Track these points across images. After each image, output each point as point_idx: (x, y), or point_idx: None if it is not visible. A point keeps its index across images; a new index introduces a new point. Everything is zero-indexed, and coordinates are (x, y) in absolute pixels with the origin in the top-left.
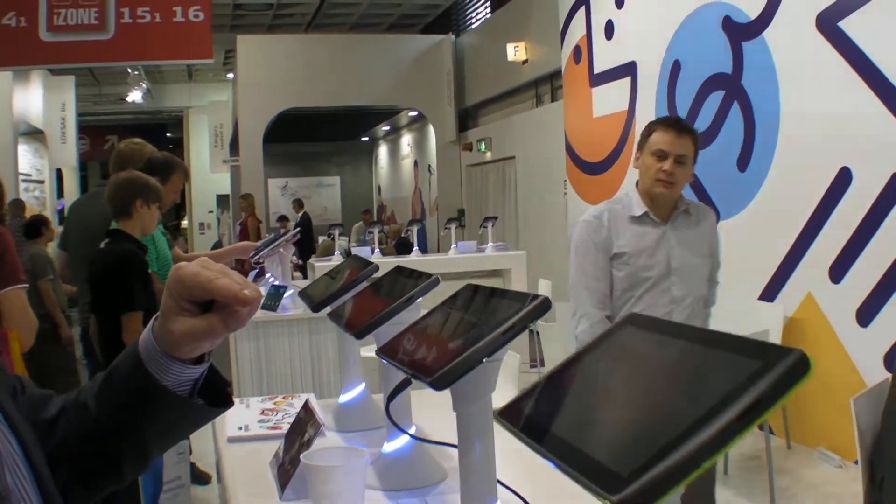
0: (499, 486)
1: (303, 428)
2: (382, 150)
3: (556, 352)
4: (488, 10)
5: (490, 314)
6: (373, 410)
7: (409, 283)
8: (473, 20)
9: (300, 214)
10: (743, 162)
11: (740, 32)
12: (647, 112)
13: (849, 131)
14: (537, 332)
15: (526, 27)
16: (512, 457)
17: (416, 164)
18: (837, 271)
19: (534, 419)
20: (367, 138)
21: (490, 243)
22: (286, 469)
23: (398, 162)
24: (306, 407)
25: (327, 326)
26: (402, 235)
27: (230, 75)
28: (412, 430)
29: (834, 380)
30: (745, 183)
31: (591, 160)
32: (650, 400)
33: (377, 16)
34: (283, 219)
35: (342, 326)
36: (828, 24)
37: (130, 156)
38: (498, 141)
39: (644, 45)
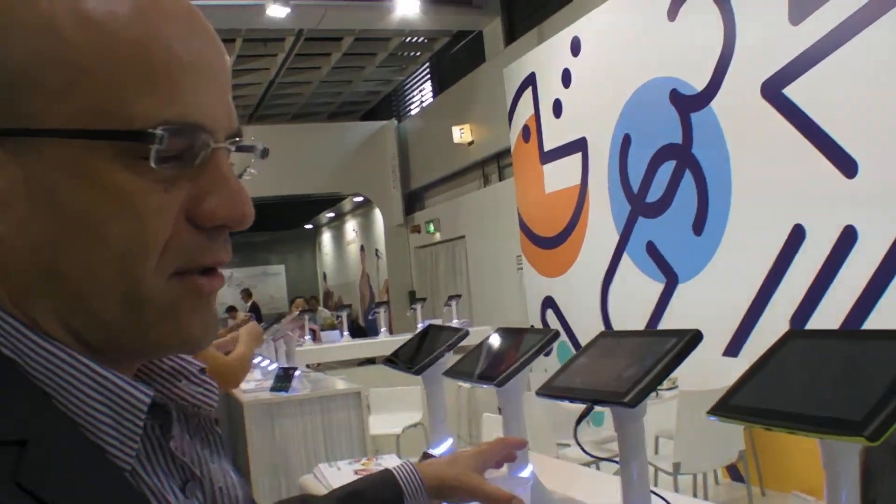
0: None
1: None
2: (326, 237)
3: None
4: (429, 94)
5: (646, 348)
6: None
7: (524, 338)
8: (413, 105)
9: (249, 304)
10: (698, 226)
11: (688, 104)
12: (600, 185)
13: (799, 190)
14: None
15: (470, 109)
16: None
17: (362, 248)
18: (798, 323)
19: (750, 407)
20: (310, 225)
21: (455, 320)
22: None
23: (343, 247)
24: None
25: (337, 404)
26: (353, 319)
27: None
28: (530, 468)
29: None
30: (702, 246)
31: (546, 235)
32: (846, 375)
33: (318, 104)
34: (231, 309)
35: (473, 380)
36: (773, 92)
37: None
38: (447, 221)
39: (593, 120)
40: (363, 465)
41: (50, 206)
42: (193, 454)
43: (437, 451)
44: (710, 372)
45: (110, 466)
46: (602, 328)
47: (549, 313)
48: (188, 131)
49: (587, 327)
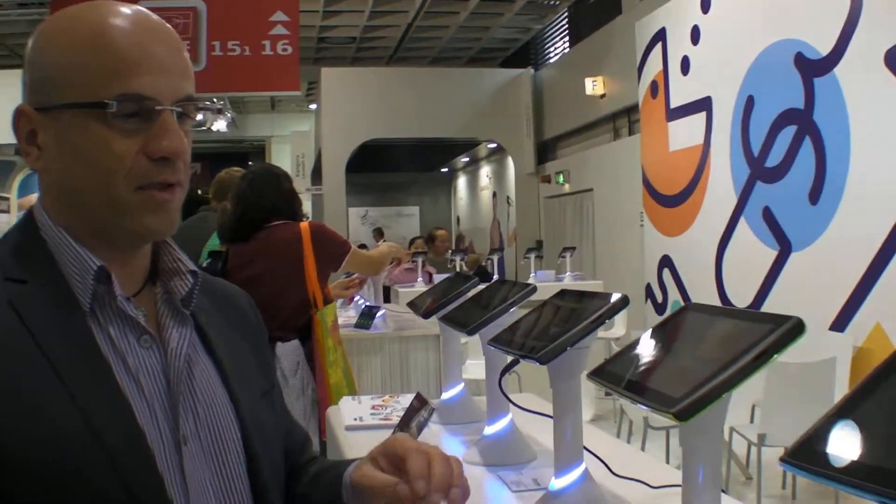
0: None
1: (417, 412)
2: (461, 181)
3: None
4: (567, 44)
5: (581, 310)
6: (471, 406)
7: (509, 291)
8: (552, 54)
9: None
10: (814, 195)
11: (812, 69)
12: (722, 146)
13: None
14: None
15: (604, 62)
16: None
17: (494, 195)
18: None
19: (617, 375)
20: (446, 169)
21: (568, 273)
22: None
23: (477, 193)
24: (419, 397)
25: (416, 345)
26: (482, 265)
27: (312, 106)
28: (510, 415)
29: None
30: (817, 215)
31: (668, 193)
32: (700, 353)
33: (457, 49)
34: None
35: (454, 327)
36: None
37: (231, 183)
38: (576, 173)
39: (719, 80)
40: (383, 400)
41: (66, 149)
42: (163, 321)
43: (449, 395)
44: (812, 345)
45: (76, 306)
46: (715, 291)
47: (666, 272)
48: (134, 99)
49: (701, 289)
